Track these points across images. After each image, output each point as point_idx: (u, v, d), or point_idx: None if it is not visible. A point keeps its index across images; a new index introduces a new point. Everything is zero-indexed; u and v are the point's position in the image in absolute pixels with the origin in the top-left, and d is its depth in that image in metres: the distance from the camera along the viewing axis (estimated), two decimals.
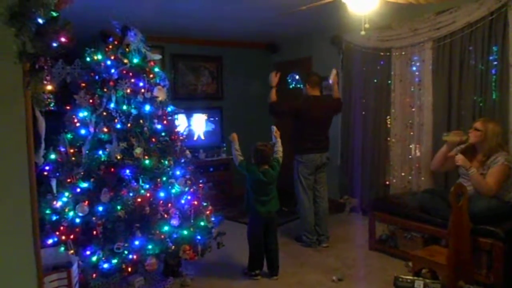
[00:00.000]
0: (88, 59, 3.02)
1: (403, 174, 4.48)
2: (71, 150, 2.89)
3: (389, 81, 4.58)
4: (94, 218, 2.77)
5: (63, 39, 1.53)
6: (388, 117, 4.65)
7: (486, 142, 3.21)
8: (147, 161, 2.92)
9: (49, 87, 1.60)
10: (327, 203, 4.14)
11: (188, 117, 5.55)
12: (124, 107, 2.98)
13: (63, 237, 2.74)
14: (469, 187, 3.14)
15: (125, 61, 3.03)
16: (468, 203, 2.89)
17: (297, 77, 6.21)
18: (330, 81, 4.19)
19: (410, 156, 4.42)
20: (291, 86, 6.30)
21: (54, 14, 1.52)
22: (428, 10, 3.99)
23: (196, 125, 5.76)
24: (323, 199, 4.10)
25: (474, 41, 3.71)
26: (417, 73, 4.30)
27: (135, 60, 3.06)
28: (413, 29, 4.17)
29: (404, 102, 4.45)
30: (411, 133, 4.39)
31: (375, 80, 4.76)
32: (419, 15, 4.11)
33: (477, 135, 3.25)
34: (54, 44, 1.51)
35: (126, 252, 2.75)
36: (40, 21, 1.47)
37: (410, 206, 3.61)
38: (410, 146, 4.42)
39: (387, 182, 4.67)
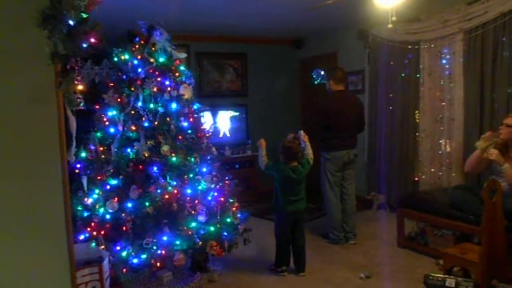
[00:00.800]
0: (115, 59, 3.08)
1: (432, 170, 4.37)
2: (101, 148, 2.96)
3: (418, 75, 4.46)
4: (123, 214, 2.83)
5: (92, 40, 1.56)
6: (416, 111, 4.54)
7: None
8: (174, 158, 2.96)
9: (80, 87, 1.64)
10: (355, 200, 4.09)
11: (214, 114, 5.60)
12: (151, 106, 3.03)
13: (94, 233, 2.81)
14: (503, 183, 3.04)
15: (152, 60, 3.07)
16: (502, 199, 2.80)
17: (322, 72, 6.14)
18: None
19: (440, 152, 4.31)
20: (316, 82, 6.24)
21: (84, 15, 1.56)
22: (459, 0, 3.87)
23: (222, 122, 5.80)
24: (350, 196, 4.05)
25: (508, 31, 3.57)
26: (447, 66, 4.18)
27: (161, 59, 3.10)
28: (443, 20, 4.05)
29: (433, 96, 4.33)
30: (441, 128, 4.27)
31: (403, 74, 4.65)
32: (449, 6, 3.98)
33: (509, 132, 3.14)
34: (84, 45, 1.54)
35: (154, 247, 2.80)
36: (71, 23, 1.51)
37: (440, 203, 3.51)
38: (440, 141, 4.30)
39: (416, 178, 4.56)
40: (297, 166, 3.30)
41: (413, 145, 4.60)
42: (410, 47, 4.49)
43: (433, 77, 4.32)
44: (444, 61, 4.20)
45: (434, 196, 3.72)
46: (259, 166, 3.44)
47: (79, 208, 2.92)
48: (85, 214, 2.92)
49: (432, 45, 4.28)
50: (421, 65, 4.40)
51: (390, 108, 4.84)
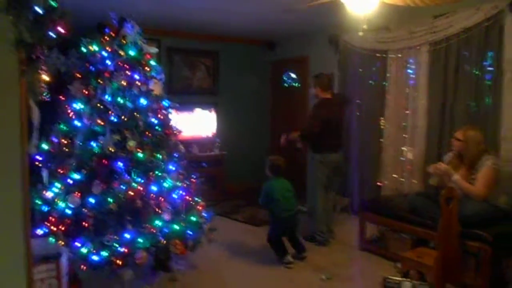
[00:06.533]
0: (83, 49, 2.99)
1: (395, 176, 4.51)
2: (64, 141, 2.87)
3: (384, 83, 4.59)
4: (85, 210, 2.75)
5: (60, 29, 1.51)
6: (382, 118, 4.67)
7: (468, 150, 3.27)
8: (140, 154, 2.90)
9: (45, 77, 1.58)
10: (334, 200, 4.30)
11: (183, 111, 5.53)
12: (119, 100, 2.95)
13: (53, 228, 2.72)
14: (459, 190, 3.16)
15: (121, 53, 3.00)
16: (459, 206, 2.92)
17: (293, 75, 6.21)
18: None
19: (402, 159, 4.45)
20: (286, 85, 6.31)
21: (52, 3, 1.51)
22: (426, 13, 4.01)
23: (191, 120, 5.74)
24: (331, 196, 4.20)
25: (470, 46, 3.74)
26: (412, 76, 4.32)
27: (131, 53, 3.03)
28: (410, 31, 4.19)
29: (398, 104, 4.47)
30: (404, 136, 4.41)
31: (371, 81, 4.78)
32: (417, 18, 4.12)
33: (459, 145, 3.32)
34: (51, 34, 1.49)
35: (116, 245, 2.73)
36: (38, 9, 1.45)
37: (400, 208, 3.63)
38: (403, 148, 4.45)
39: (379, 184, 4.69)
40: (284, 180, 3.61)
41: (377, 151, 4.72)
42: (378, 55, 4.61)
43: (398, 86, 4.45)
44: (409, 71, 4.34)
45: (395, 201, 3.84)
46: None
47: (38, 202, 2.82)
48: (44, 208, 2.81)
49: (399, 55, 4.42)
50: (388, 74, 4.53)
51: (358, 114, 4.96)
